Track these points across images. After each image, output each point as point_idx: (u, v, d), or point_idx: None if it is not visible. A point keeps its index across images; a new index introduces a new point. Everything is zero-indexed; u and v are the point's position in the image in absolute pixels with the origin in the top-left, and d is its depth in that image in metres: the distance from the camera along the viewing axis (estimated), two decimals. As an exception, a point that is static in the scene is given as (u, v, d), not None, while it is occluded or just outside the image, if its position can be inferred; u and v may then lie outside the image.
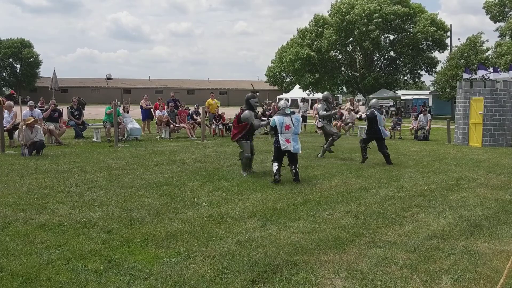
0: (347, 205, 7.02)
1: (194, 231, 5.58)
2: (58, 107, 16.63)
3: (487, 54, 37.73)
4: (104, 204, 6.93)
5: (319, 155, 12.66)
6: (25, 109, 13.83)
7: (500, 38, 37.77)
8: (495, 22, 37.92)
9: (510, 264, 2.92)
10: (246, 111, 9.74)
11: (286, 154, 9.01)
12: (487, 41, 68.78)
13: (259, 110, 10.58)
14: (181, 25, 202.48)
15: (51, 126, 15.23)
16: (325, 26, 46.92)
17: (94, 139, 16.44)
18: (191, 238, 5.32)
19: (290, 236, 5.45)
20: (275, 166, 8.84)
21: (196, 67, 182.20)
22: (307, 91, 51.36)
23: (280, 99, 9.95)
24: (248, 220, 6.15)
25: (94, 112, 25.23)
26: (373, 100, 12.23)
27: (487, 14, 37.98)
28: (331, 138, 12.67)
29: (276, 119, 9.00)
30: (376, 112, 11.58)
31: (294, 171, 8.92)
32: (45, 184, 8.32)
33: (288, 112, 9.12)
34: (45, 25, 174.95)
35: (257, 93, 10.81)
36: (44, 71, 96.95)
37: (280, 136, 8.87)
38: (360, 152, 11.80)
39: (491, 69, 20.22)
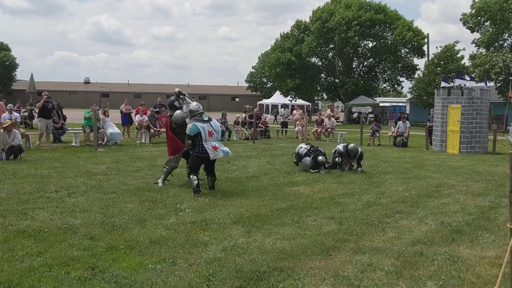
0: (331, 211, 7.06)
1: (178, 238, 5.53)
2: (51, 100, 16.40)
3: (463, 62, 38.65)
4: (85, 210, 6.81)
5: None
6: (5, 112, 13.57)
7: (476, 48, 38.68)
8: (472, 32, 38.82)
9: (503, 271, 2.98)
10: None
11: (203, 165, 8.51)
12: (463, 49, 70.54)
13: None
14: (163, 29, 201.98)
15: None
16: (306, 32, 47.30)
17: (73, 144, 16.18)
18: (176, 244, 5.27)
19: (275, 242, 5.44)
20: (195, 180, 8.11)
21: (178, 71, 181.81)
22: (289, 97, 51.52)
23: (193, 102, 8.82)
24: (232, 226, 6.13)
25: (71, 116, 24.83)
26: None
27: (464, 25, 38.85)
28: None
29: (198, 125, 8.17)
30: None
31: (212, 180, 8.57)
32: (24, 190, 8.14)
33: (206, 119, 8.39)
34: (25, 27, 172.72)
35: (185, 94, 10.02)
36: (22, 74, 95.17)
37: (205, 144, 8.12)
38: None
39: (467, 78, 20.68)
